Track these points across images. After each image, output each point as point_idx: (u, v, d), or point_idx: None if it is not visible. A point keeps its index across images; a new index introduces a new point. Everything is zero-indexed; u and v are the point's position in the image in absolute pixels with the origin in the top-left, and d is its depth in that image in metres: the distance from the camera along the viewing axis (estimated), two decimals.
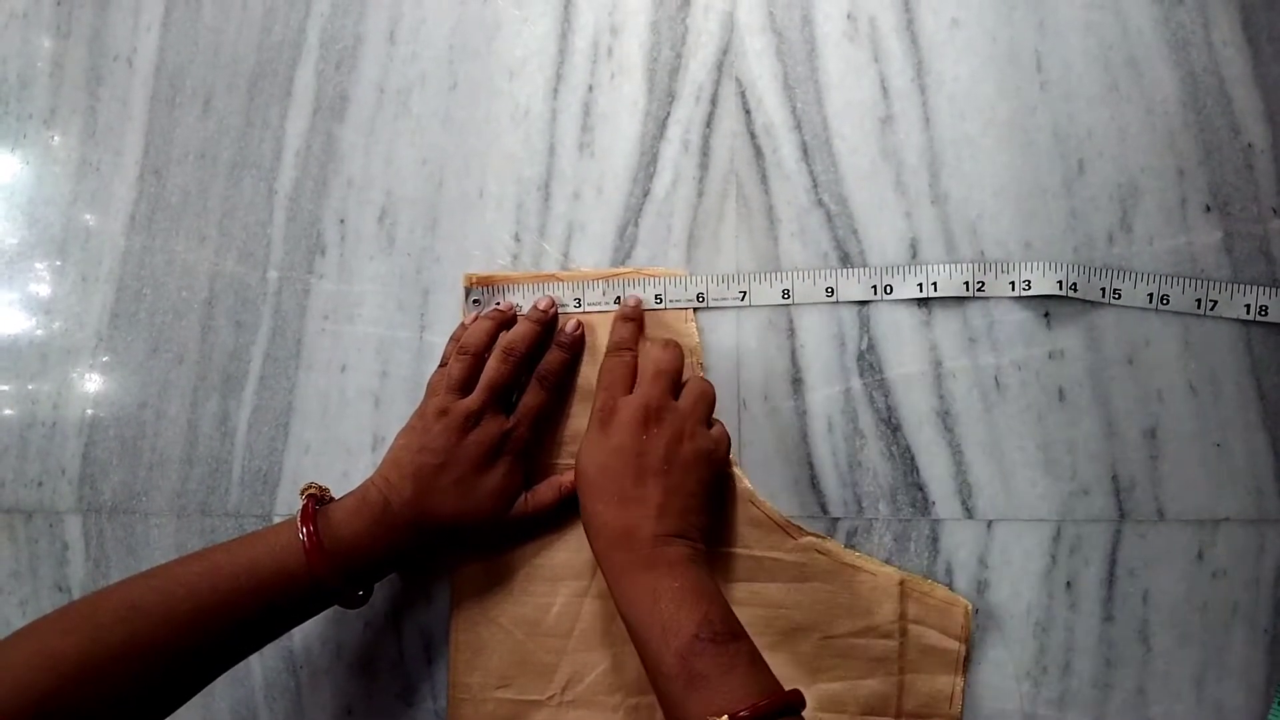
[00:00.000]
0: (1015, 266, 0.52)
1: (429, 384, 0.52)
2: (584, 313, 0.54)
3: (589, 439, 0.49)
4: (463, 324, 0.55)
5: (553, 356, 0.53)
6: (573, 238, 0.56)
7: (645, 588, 0.44)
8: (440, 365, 0.53)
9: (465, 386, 0.51)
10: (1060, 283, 0.52)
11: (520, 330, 0.53)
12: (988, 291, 0.52)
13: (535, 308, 0.54)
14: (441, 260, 0.57)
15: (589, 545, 0.48)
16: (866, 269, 0.53)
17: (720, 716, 0.39)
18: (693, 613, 0.43)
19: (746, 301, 0.54)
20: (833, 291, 0.53)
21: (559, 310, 0.54)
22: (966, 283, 0.52)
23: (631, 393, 0.49)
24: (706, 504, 0.48)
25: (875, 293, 0.53)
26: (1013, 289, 0.52)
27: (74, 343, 0.59)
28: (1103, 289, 0.52)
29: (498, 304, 0.55)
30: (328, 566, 0.46)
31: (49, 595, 0.58)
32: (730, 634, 0.42)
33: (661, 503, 0.46)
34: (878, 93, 0.54)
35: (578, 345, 0.54)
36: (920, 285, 0.53)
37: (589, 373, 0.54)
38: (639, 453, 0.47)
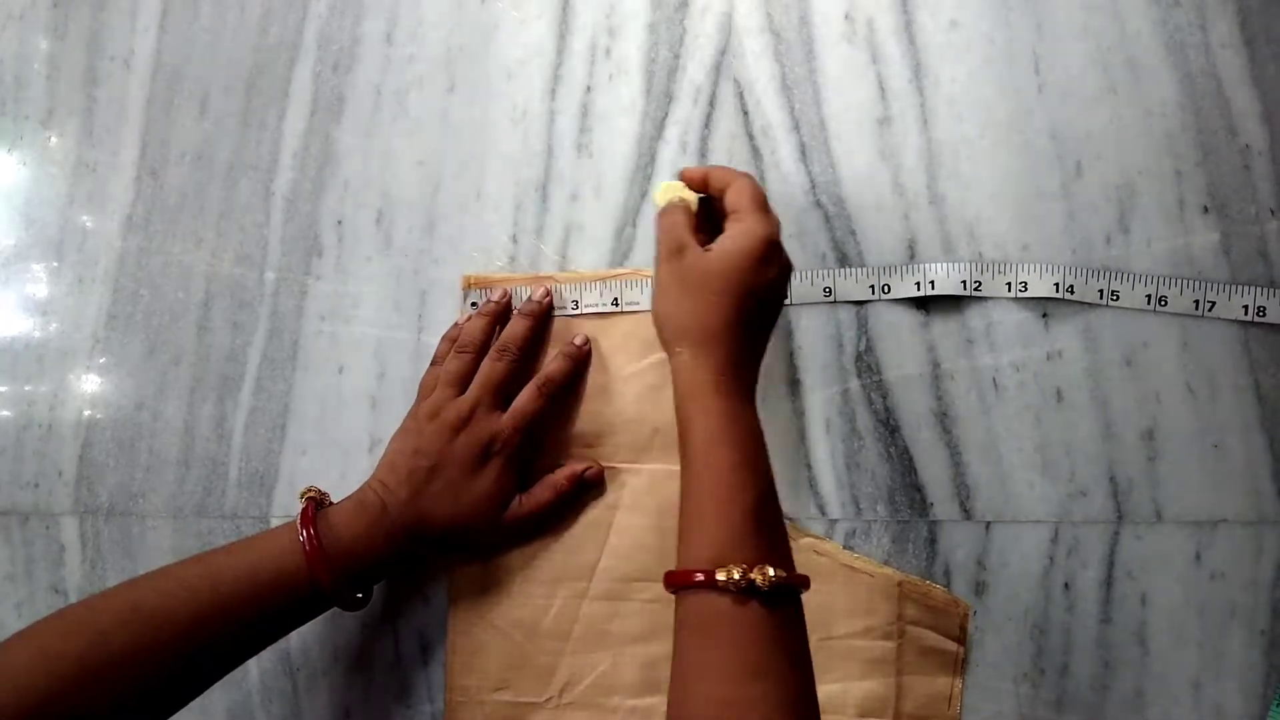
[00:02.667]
0: (1012, 268, 0.52)
1: (421, 384, 0.52)
2: (582, 315, 0.54)
3: (749, 250, 0.45)
4: (456, 324, 0.55)
5: (556, 367, 0.53)
6: (570, 239, 0.56)
7: (749, 419, 0.44)
8: (432, 364, 0.53)
9: (461, 384, 0.51)
10: (1057, 285, 0.52)
11: (515, 328, 0.53)
12: (985, 291, 0.52)
13: (530, 299, 0.54)
14: (439, 261, 0.56)
15: (683, 338, 0.45)
16: (864, 269, 0.53)
17: (781, 569, 0.39)
18: (769, 468, 0.43)
19: None
20: (830, 291, 0.53)
21: (558, 314, 0.54)
22: (964, 281, 0.52)
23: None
24: None
25: (873, 292, 0.53)
26: (1009, 290, 0.52)
27: (70, 344, 0.59)
28: (1100, 291, 0.52)
29: (492, 297, 0.54)
30: (328, 570, 0.45)
31: (45, 597, 0.58)
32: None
33: (763, 352, 0.47)
34: (876, 94, 0.54)
35: (583, 357, 0.54)
36: (918, 284, 0.53)
37: (595, 378, 0.54)
38: (776, 302, 0.47)
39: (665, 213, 0.48)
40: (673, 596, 0.41)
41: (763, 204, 0.46)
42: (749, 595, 0.39)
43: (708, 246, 0.46)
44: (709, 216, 0.49)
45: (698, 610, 0.40)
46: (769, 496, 0.42)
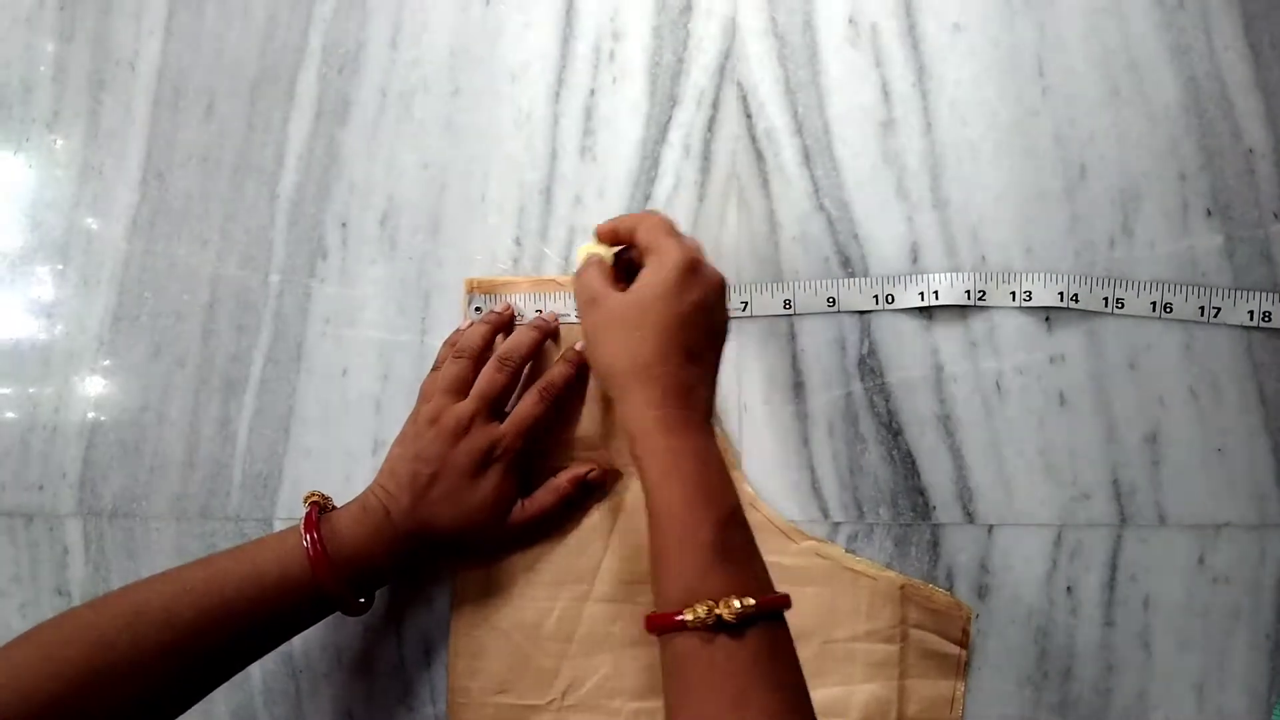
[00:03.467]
0: (1017, 277, 0.52)
1: (421, 388, 0.52)
2: None
3: (665, 280, 0.45)
4: (459, 328, 0.55)
5: (558, 371, 0.53)
6: (574, 242, 0.56)
7: (697, 451, 0.43)
8: (433, 369, 0.53)
9: (460, 389, 0.51)
10: (1062, 294, 0.52)
11: (519, 338, 0.53)
12: (989, 301, 0.52)
13: (541, 315, 0.54)
14: (443, 264, 0.57)
15: (620, 382, 0.45)
16: (868, 278, 0.53)
17: (749, 599, 0.38)
18: (731, 491, 0.43)
19: (748, 311, 0.54)
20: (834, 301, 0.53)
21: (562, 322, 0.54)
22: (968, 291, 0.52)
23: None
24: None
25: (877, 302, 0.53)
26: (1014, 299, 0.52)
27: (75, 346, 0.60)
28: (1105, 299, 0.52)
29: (495, 309, 0.55)
30: (332, 574, 0.46)
31: (49, 599, 0.58)
32: (748, 524, 0.43)
33: (715, 372, 0.47)
34: (879, 97, 0.55)
35: (585, 363, 0.53)
36: (921, 294, 0.53)
37: (597, 382, 0.54)
38: (712, 316, 0.46)
39: (578, 273, 0.49)
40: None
41: (671, 232, 0.47)
42: (717, 630, 0.38)
43: (621, 291, 0.46)
44: (630, 268, 0.49)
45: (673, 652, 0.40)
46: (729, 524, 0.41)
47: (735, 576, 0.40)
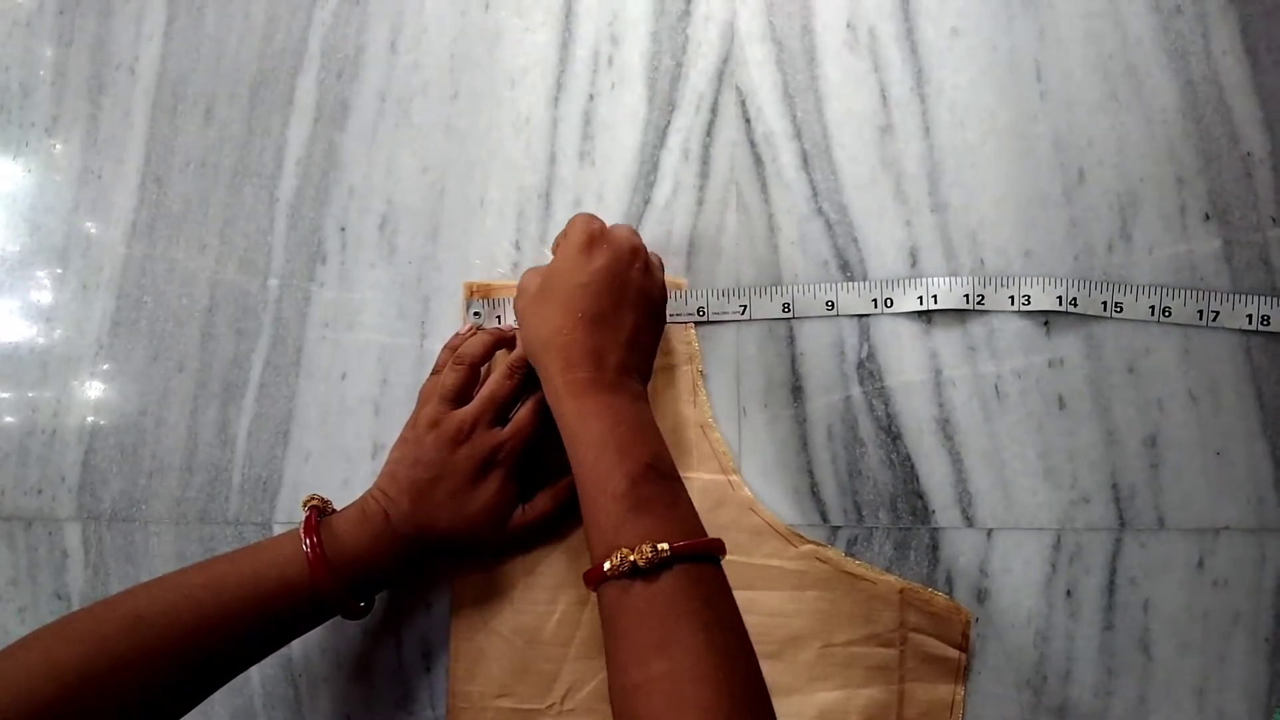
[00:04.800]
0: (1015, 281, 0.52)
1: (421, 392, 0.52)
2: None
3: (567, 254, 0.48)
4: (458, 333, 0.55)
5: None
6: None
7: (605, 409, 0.45)
8: (433, 373, 0.53)
9: (459, 397, 0.51)
10: (1060, 298, 0.52)
11: None
12: (987, 305, 0.52)
13: None
14: (442, 268, 0.57)
15: (537, 356, 0.48)
16: (867, 282, 0.54)
17: (663, 544, 0.39)
18: (647, 443, 0.44)
19: (747, 315, 0.54)
20: (833, 305, 0.54)
21: None
22: (967, 295, 0.52)
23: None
24: (655, 350, 0.50)
25: (875, 306, 0.53)
26: (1012, 303, 0.52)
27: (74, 350, 0.59)
28: (1104, 303, 0.52)
29: (499, 324, 0.55)
30: (331, 578, 0.46)
31: (48, 603, 0.58)
32: (675, 474, 0.44)
33: (631, 335, 0.47)
34: (877, 101, 0.55)
35: None
36: (920, 298, 0.53)
37: None
38: (623, 281, 0.48)
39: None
40: None
41: (583, 216, 0.49)
42: (634, 577, 0.39)
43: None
44: None
45: (603, 603, 0.41)
46: (644, 476, 0.42)
47: (653, 525, 0.41)
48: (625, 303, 0.47)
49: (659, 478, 0.43)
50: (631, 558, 0.39)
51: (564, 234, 0.49)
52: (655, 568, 0.39)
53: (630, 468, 0.42)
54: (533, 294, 0.49)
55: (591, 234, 0.48)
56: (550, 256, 0.56)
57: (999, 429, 0.52)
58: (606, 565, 0.40)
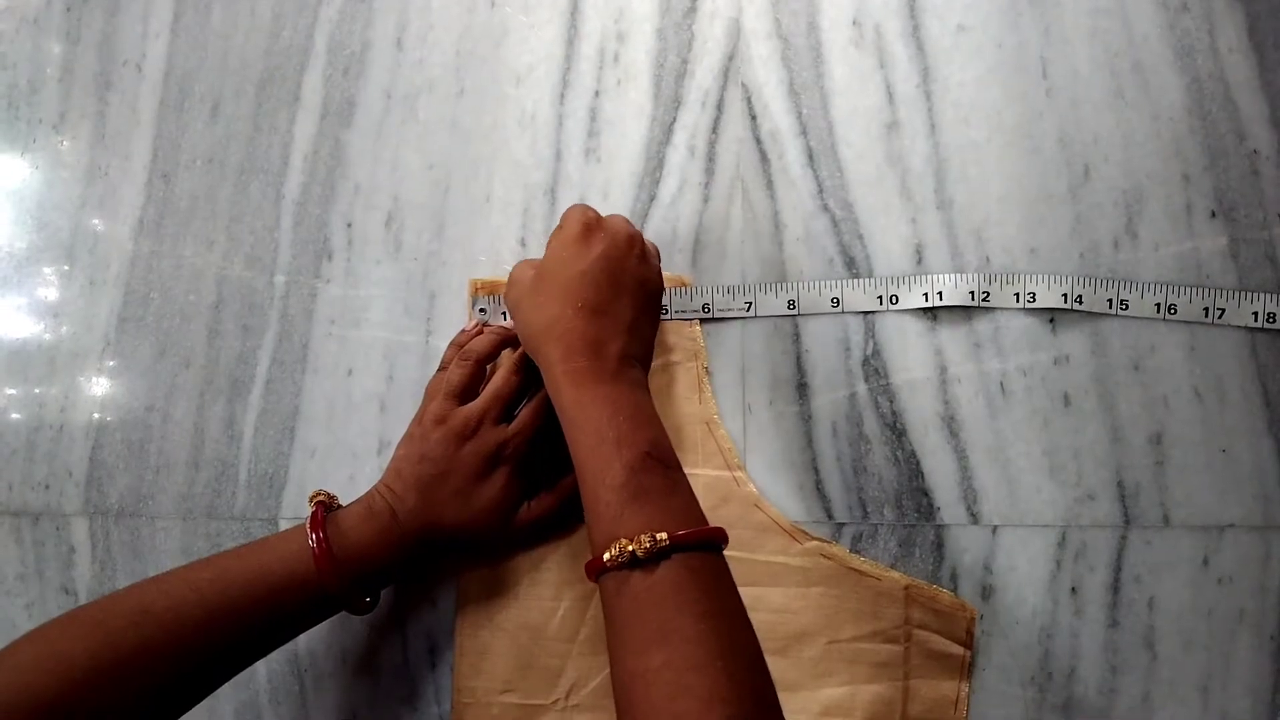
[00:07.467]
0: (1021, 278, 0.52)
1: (427, 389, 0.53)
2: None
3: (564, 243, 0.48)
4: (464, 330, 0.55)
5: None
6: None
7: (605, 398, 0.44)
8: (439, 370, 0.54)
9: (465, 394, 0.51)
10: (1065, 295, 0.52)
11: None
12: (993, 302, 0.52)
13: None
14: (448, 265, 0.57)
15: (535, 346, 0.47)
16: (872, 279, 0.53)
17: (661, 533, 0.39)
18: (646, 432, 0.44)
19: (752, 312, 0.54)
20: (838, 302, 0.54)
21: None
22: (972, 292, 0.52)
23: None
24: (654, 337, 0.50)
25: (881, 303, 0.53)
26: (1017, 300, 0.52)
27: (81, 346, 0.60)
28: (1109, 300, 0.52)
29: (504, 320, 0.55)
30: (337, 573, 0.46)
31: (55, 598, 0.58)
32: (674, 462, 0.44)
33: (630, 322, 0.47)
34: (883, 98, 0.55)
35: None
36: (925, 295, 0.53)
37: None
38: (620, 269, 0.47)
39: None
40: None
41: (578, 208, 0.49)
42: (633, 567, 0.39)
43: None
44: None
45: (604, 594, 0.40)
46: (642, 466, 0.42)
47: (652, 515, 0.40)
48: (624, 291, 0.47)
49: (658, 466, 0.43)
50: (630, 548, 0.39)
51: (559, 225, 0.49)
52: (654, 558, 0.39)
53: (629, 457, 0.42)
54: (528, 285, 0.48)
55: (588, 223, 0.48)
56: None
57: (1004, 426, 0.52)
58: (605, 556, 0.40)
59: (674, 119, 0.56)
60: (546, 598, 0.53)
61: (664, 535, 0.39)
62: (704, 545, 0.41)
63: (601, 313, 0.46)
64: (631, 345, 0.47)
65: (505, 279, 0.56)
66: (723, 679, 0.36)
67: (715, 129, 0.56)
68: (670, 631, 0.38)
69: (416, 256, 0.57)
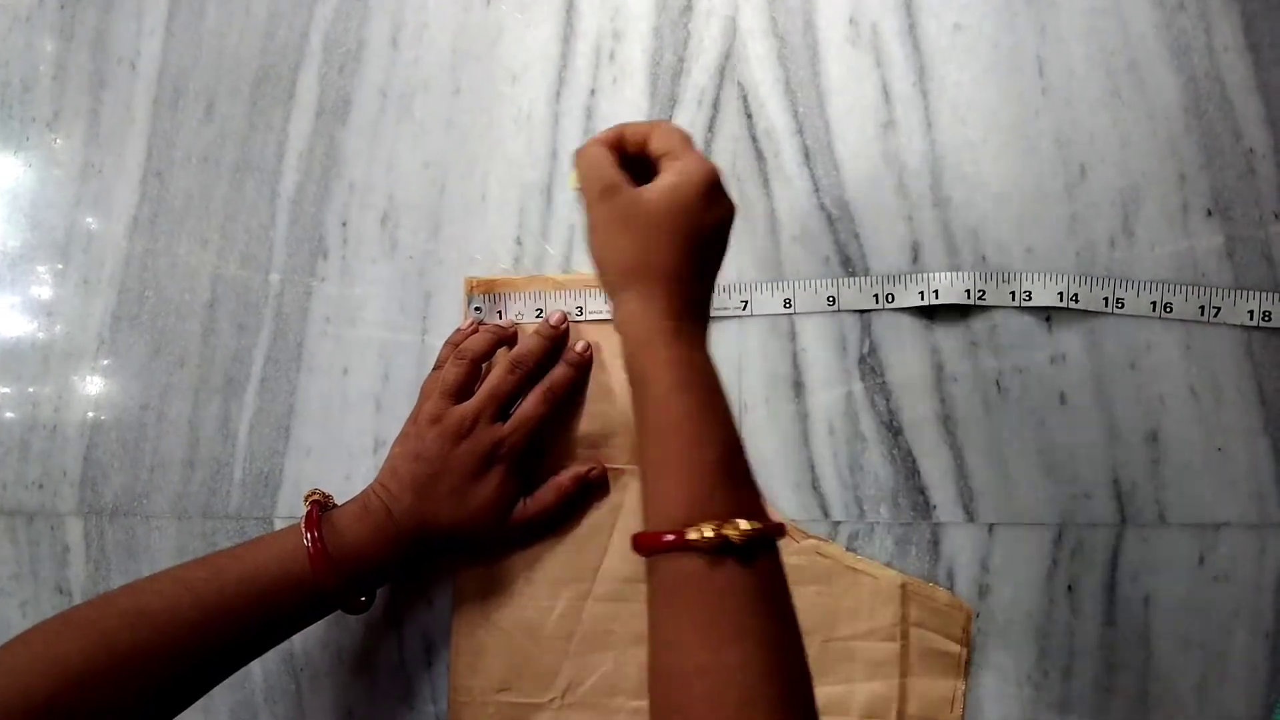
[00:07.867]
0: (1017, 277, 0.52)
1: (422, 388, 0.53)
2: (586, 321, 0.54)
3: (694, 184, 0.42)
4: (460, 329, 0.55)
5: (560, 373, 0.53)
6: (575, 241, 0.56)
7: (707, 366, 0.41)
8: (435, 368, 0.53)
9: (460, 393, 0.51)
10: (1061, 294, 0.52)
11: (531, 345, 0.53)
12: (989, 300, 0.52)
13: (547, 323, 0.54)
14: (444, 263, 0.57)
15: (622, 279, 0.42)
16: (868, 278, 0.53)
17: (754, 521, 0.36)
18: (731, 414, 0.40)
19: (748, 310, 0.54)
20: (834, 300, 0.53)
21: (571, 320, 0.54)
22: (968, 290, 0.52)
23: None
24: None
25: (877, 301, 0.53)
26: (1014, 299, 0.52)
27: (76, 345, 0.59)
28: (1105, 298, 0.52)
29: (500, 319, 0.55)
30: (332, 572, 0.46)
31: (50, 597, 0.58)
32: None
33: (710, 295, 0.44)
34: (879, 97, 0.55)
35: (585, 364, 0.54)
36: (921, 293, 0.53)
37: (598, 381, 0.54)
38: (726, 243, 0.44)
39: (584, 153, 0.44)
40: None
41: (692, 143, 0.44)
42: (723, 553, 0.35)
43: (642, 187, 0.42)
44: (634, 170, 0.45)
45: (671, 574, 0.37)
46: (736, 447, 0.39)
47: (741, 501, 0.37)
48: (720, 262, 0.44)
49: (742, 453, 0.39)
50: (725, 531, 0.35)
51: (680, 162, 0.43)
52: (749, 548, 0.36)
53: (728, 435, 0.39)
54: (639, 213, 0.42)
55: (718, 182, 0.43)
56: (549, 253, 0.56)
57: (1000, 424, 0.52)
58: (692, 534, 0.35)
59: (670, 117, 0.56)
60: (543, 597, 0.53)
61: (758, 524, 0.36)
62: (775, 542, 0.38)
63: (709, 277, 0.44)
64: (707, 315, 0.44)
65: (501, 278, 0.56)
66: (787, 689, 0.35)
67: (711, 127, 0.56)
68: (750, 629, 0.35)
69: (412, 255, 0.57)
